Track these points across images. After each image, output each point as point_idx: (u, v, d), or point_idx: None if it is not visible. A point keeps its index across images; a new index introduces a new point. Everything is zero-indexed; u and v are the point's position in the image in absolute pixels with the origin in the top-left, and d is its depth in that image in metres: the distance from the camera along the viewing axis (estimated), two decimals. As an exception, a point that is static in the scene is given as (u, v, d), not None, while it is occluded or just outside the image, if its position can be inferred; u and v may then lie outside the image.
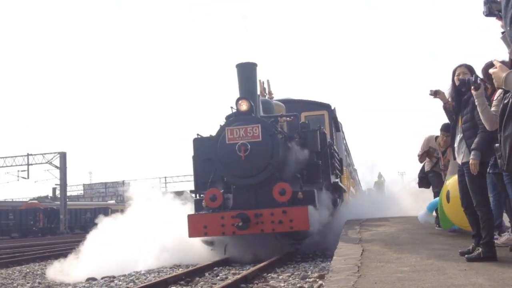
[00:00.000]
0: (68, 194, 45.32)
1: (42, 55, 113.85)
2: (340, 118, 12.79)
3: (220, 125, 8.03)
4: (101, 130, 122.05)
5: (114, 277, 7.26)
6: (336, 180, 9.80)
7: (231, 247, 7.81)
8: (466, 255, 4.24)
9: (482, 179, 4.23)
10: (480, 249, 4.12)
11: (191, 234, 7.54)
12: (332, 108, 11.43)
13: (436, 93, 5.10)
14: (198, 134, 8.67)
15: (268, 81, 9.60)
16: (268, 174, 7.76)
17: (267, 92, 9.65)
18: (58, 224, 38.62)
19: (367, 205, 12.53)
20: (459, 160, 4.45)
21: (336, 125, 12.14)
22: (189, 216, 7.62)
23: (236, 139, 7.71)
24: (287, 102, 10.34)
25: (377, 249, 5.33)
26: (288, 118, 8.96)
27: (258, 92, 8.99)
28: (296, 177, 7.96)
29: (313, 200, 7.78)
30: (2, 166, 37.19)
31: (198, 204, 8.06)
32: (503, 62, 2.86)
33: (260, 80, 9.51)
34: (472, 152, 4.12)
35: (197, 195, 8.42)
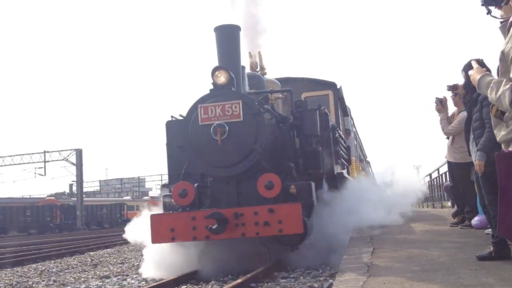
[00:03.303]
0: (85, 190, 45.32)
1: (58, 53, 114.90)
2: (349, 104, 11.06)
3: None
4: (117, 126, 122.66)
5: (127, 275, 7.21)
6: (342, 171, 8.14)
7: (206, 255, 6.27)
8: (477, 254, 4.12)
9: (492, 179, 3.92)
10: (492, 248, 4.04)
11: (154, 240, 6.00)
12: (338, 87, 9.70)
13: (454, 88, 5.15)
14: (172, 116, 7.15)
15: (259, 53, 7.95)
16: (252, 163, 6.15)
17: (259, 67, 8.02)
18: (75, 220, 39.06)
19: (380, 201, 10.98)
20: (473, 159, 4.39)
21: (343, 108, 10.35)
22: (152, 217, 6.09)
23: (211, 119, 6.15)
24: (284, 81, 8.66)
25: (387, 248, 5.24)
26: (280, 95, 7.36)
27: (247, 66, 7.43)
28: (289, 167, 6.39)
29: (310, 195, 6.19)
30: (20, 163, 37.77)
31: (166, 202, 6.55)
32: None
33: (250, 53, 7.91)
34: (478, 153, 4.14)
35: (170, 190, 6.87)
